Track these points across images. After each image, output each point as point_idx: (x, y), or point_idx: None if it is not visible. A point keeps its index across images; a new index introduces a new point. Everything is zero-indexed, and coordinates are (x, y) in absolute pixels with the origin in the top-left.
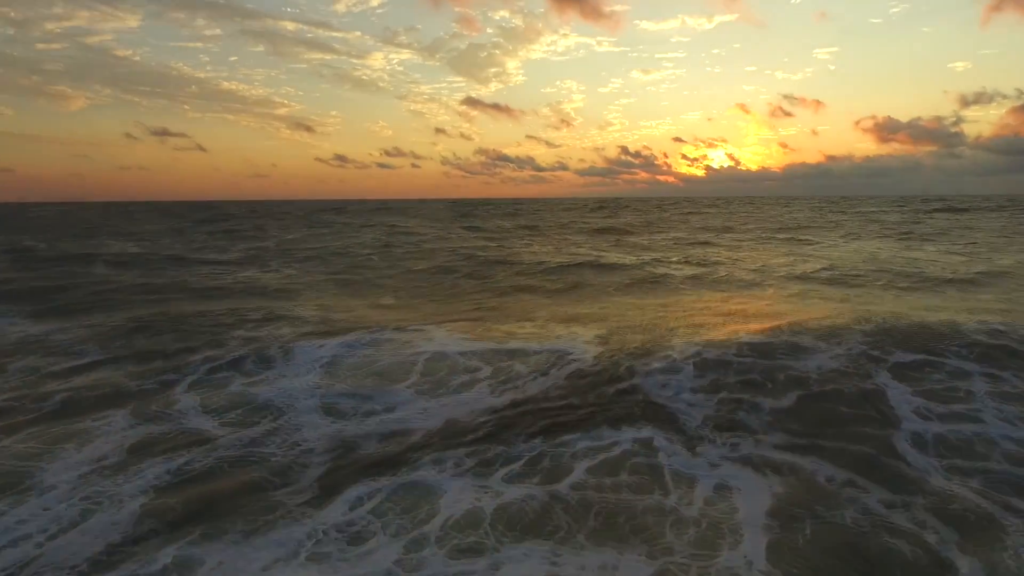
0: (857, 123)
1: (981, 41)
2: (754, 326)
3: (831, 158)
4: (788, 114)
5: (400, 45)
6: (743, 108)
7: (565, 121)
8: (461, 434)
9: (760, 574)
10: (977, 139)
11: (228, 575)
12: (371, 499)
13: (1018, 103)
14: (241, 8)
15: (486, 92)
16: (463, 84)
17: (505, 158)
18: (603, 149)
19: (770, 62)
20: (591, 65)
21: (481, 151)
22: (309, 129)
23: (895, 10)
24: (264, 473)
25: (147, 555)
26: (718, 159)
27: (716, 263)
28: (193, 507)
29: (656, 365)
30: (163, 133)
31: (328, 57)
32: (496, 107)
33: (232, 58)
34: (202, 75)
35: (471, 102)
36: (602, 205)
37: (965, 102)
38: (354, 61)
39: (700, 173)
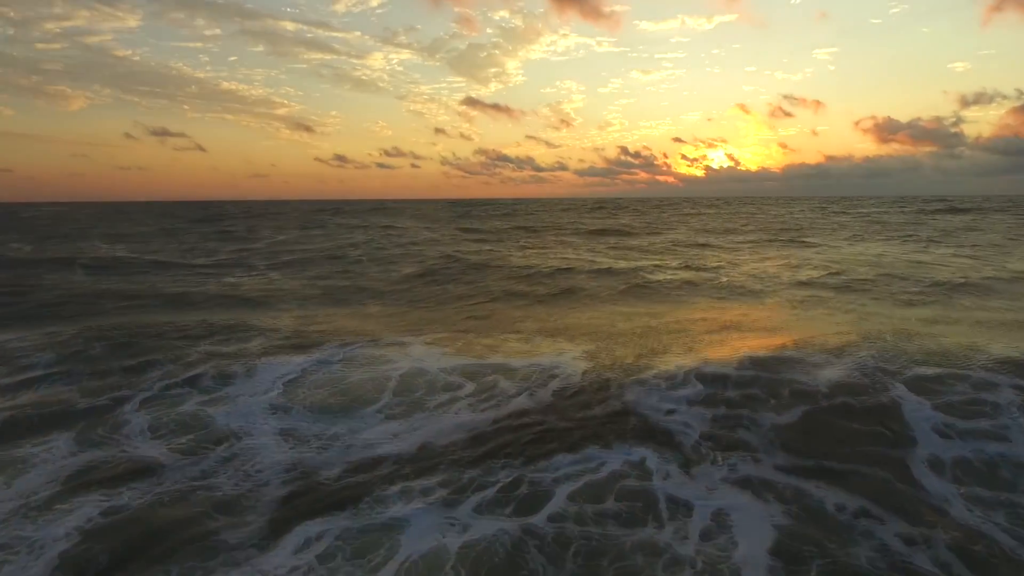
0: (857, 123)
1: (981, 41)
2: (756, 337)
3: (831, 158)
4: (788, 114)
5: (400, 45)
6: (743, 108)
7: (565, 121)
8: (434, 459)
9: None
10: (977, 139)
11: None
12: (322, 539)
13: (1018, 103)
14: (241, 8)
15: (486, 92)
16: (463, 84)
17: (505, 158)
18: (603, 149)
19: (770, 62)
20: (591, 65)
21: (481, 151)
22: (309, 129)
23: (895, 10)
24: (209, 509)
25: None
26: (718, 159)
27: (715, 268)
28: (121, 553)
29: (649, 379)
30: (162, 133)
31: (328, 57)
32: (496, 107)
33: (232, 58)
34: (202, 75)
35: (471, 102)
36: (601, 205)
37: (965, 102)
38: (354, 61)
39: (700, 173)
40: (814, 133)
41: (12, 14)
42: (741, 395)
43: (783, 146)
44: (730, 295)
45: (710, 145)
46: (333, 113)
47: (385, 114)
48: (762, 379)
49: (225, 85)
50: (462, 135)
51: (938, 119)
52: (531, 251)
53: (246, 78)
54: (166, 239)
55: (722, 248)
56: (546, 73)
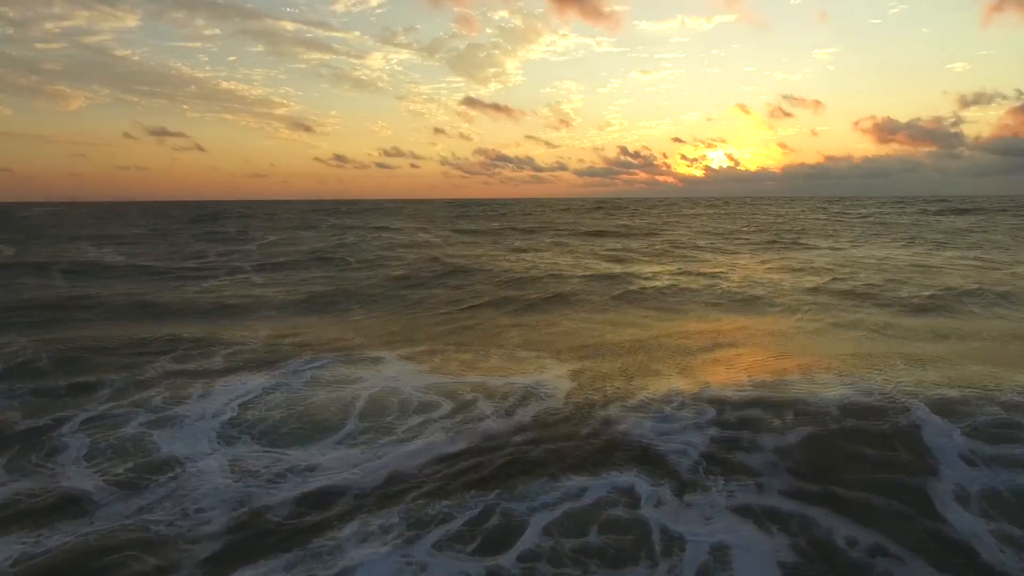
0: (856, 123)
1: (981, 42)
2: (757, 351)
3: (830, 158)
4: (787, 114)
5: (399, 45)
6: (742, 108)
7: (564, 121)
8: (398, 491)
9: None
10: (976, 140)
11: None
12: None
13: (1018, 104)
14: (240, 8)
15: (485, 92)
16: (462, 84)
17: (504, 158)
18: (602, 149)
19: (769, 62)
20: (590, 65)
21: (480, 151)
22: (308, 129)
23: (895, 10)
24: (140, 552)
25: None
26: (717, 159)
27: (714, 273)
28: None
29: (639, 399)
30: (162, 133)
31: (327, 57)
32: (495, 107)
33: (231, 58)
34: (201, 75)
35: (470, 102)
36: (600, 206)
37: (964, 103)
38: (353, 61)
39: (699, 173)
40: (813, 133)
41: (12, 14)
42: (740, 416)
43: (782, 146)
44: (729, 303)
45: (709, 145)
46: (332, 113)
47: (385, 114)
48: (764, 398)
49: (224, 85)
50: (461, 135)
51: (938, 119)
52: (525, 253)
53: (245, 78)
54: (156, 241)
55: (721, 251)
56: (545, 73)
